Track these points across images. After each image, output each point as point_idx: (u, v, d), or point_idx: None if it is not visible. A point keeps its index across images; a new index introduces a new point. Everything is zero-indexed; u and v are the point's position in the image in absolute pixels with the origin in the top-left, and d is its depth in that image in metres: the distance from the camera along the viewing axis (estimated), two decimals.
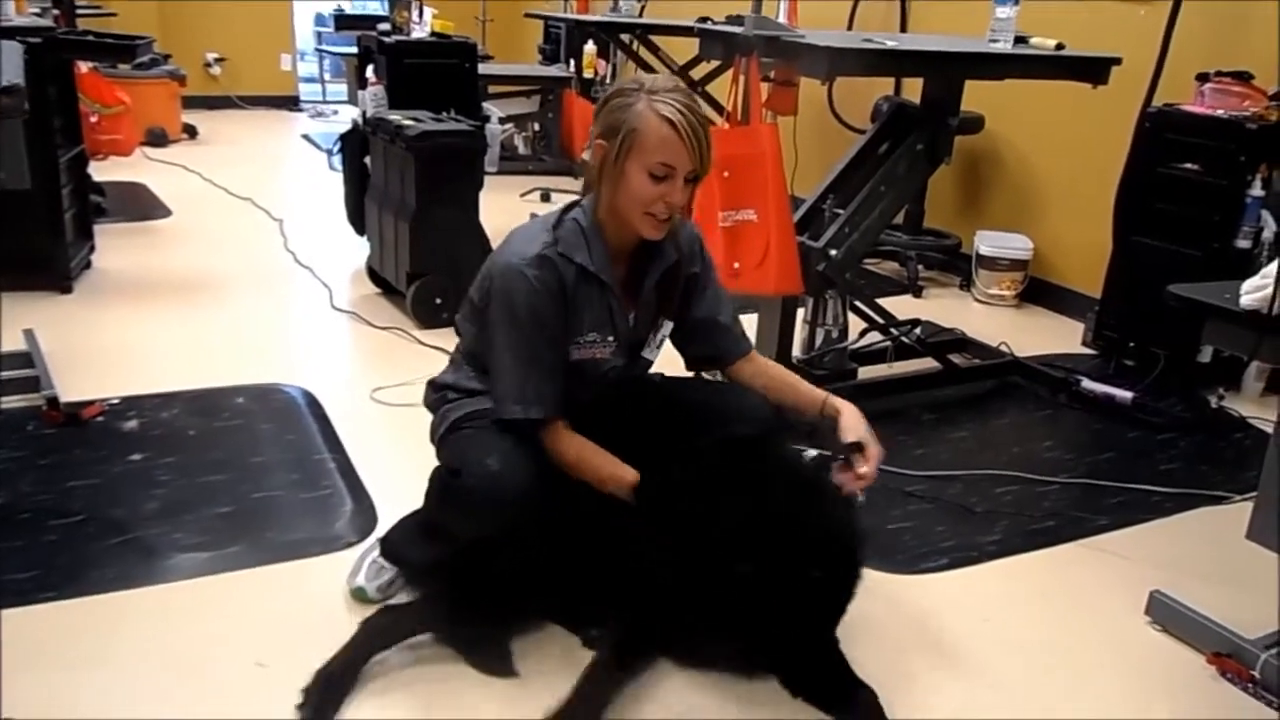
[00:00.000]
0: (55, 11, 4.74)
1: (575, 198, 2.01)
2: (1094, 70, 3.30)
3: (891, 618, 2.19)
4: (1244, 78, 3.49)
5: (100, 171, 5.03)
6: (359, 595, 2.08)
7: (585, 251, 1.91)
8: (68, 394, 2.89)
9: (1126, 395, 3.35)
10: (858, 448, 1.90)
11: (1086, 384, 3.43)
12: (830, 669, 1.90)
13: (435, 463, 2.10)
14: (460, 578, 1.97)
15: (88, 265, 4.17)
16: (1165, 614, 2.20)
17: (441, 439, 2.05)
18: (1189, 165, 3.48)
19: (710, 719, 1.84)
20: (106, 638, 1.95)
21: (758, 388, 2.10)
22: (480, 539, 1.91)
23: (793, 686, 1.90)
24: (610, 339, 1.98)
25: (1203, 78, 3.56)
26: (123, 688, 1.82)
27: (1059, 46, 3.29)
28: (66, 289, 3.87)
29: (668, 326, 2.10)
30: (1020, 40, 3.29)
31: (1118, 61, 3.30)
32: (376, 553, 2.13)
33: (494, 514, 1.86)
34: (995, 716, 1.91)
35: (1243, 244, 3.38)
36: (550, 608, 2.04)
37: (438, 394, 2.09)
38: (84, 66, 4.92)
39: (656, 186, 1.83)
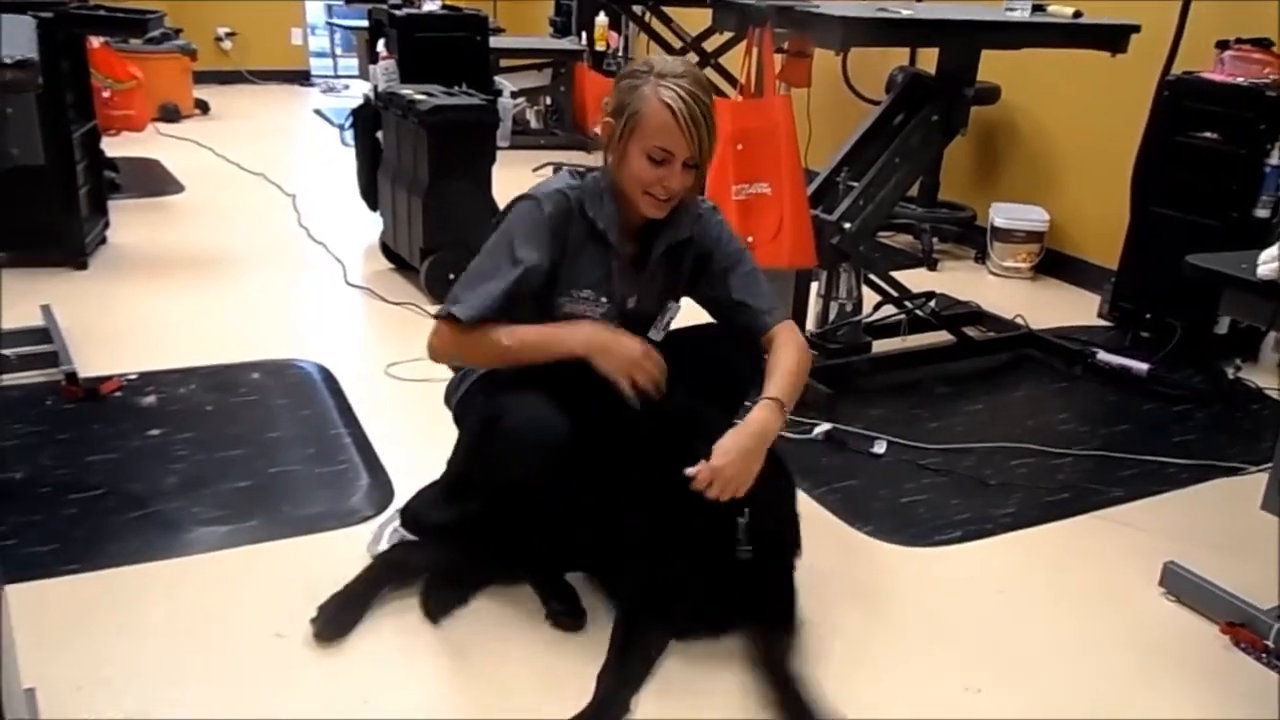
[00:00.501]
0: None
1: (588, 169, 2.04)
2: (1112, 38, 3.26)
3: (905, 590, 2.20)
4: (1264, 45, 3.44)
5: (113, 147, 5.03)
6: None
7: (599, 208, 1.95)
8: (86, 369, 2.91)
9: (1142, 367, 3.34)
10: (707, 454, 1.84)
11: (1102, 356, 3.41)
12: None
13: (449, 434, 2.12)
14: (482, 527, 2.03)
15: (103, 241, 4.19)
16: (1179, 584, 2.20)
17: (462, 398, 2.08)
18: (1208, 134, 3.45)
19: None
20: (126, 610, 1.98)
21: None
22: (512, 484, 1.94)
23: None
24: (603, 300, 2.00)
25: (1222, 45, 3.52)
26: (143, 658, 1.85)
27: (1077, 14, 3.25)
28: (82, 265, 3.89)
29: (674, 310, 2.11)
30: (1037, 8, 3.26)
31: (1136, 29, 3.26)
32: (396, 523, 2.15)
33: (534, 455, 1.88)
34: (1009, 688, 1.91)
35: (1262, 213, 3.35)
36: (534, 568, 2.08)
37: None
38: (96, 41, 4.93)
39: (655, 170, 1.86)
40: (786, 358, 1.98)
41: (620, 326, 2.02)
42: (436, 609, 2.00)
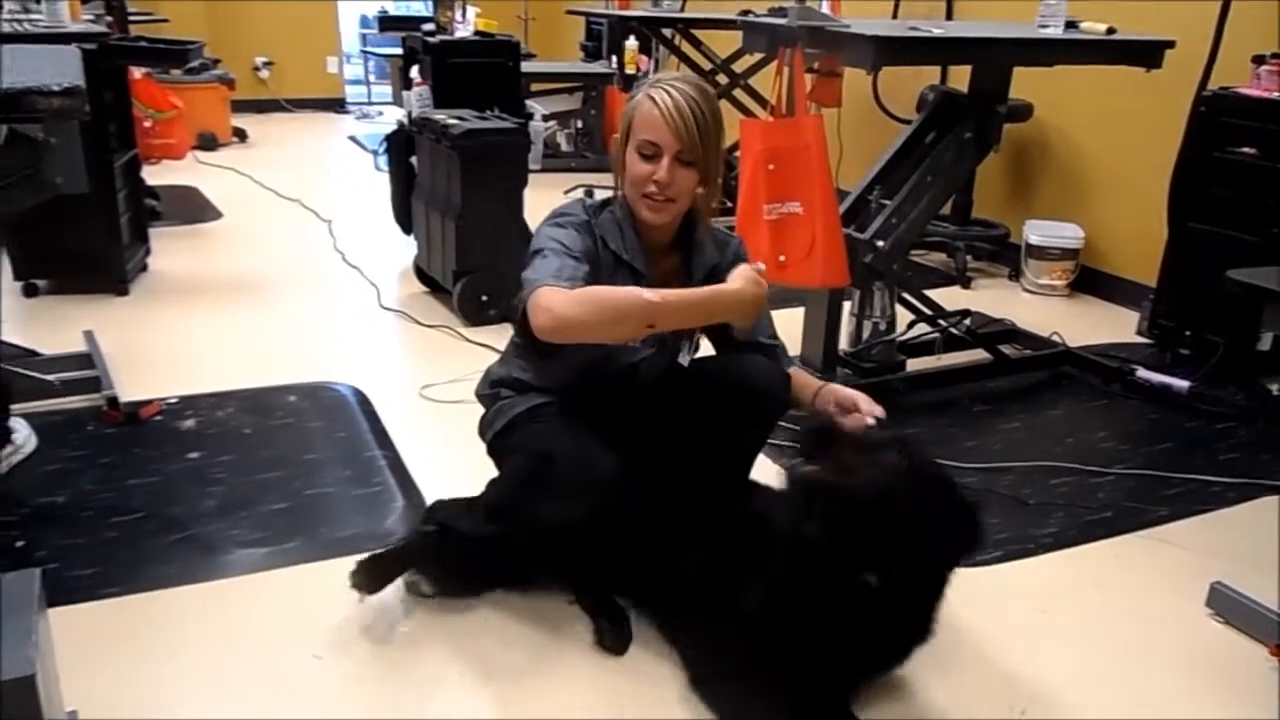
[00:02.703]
0: (109, 18, 4.84)
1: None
2: (1146, 54, 3.24)
3: (947, 610, 2.16)
4: None
5: (153, 175, 5.12)
6: (413, 587, 2.10)
7: (619, 240, 1.96)
8: (127, 394, 2.95)
9: (1183, 384, 3.29)
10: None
11: (1142, 373, 3.37)
12: None
13: (484, 456, 2.12)
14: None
15: (144, 267, 4.25)
16: (1226, 605, 2.16)
17: (500, 433, 2.06)
18: (1245, 149, 3.41)
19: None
20: (167, 632, 1.99)
21: None
22: (562, 525, 1.91)
23: None
24: None
25: (1259, 59, 3.48)
26: (184, 680, 1.86)
27: (1110, 31, 3.23)
28: (123, 291, 3.95)
29: (700, 336, 2.10)
30: (1070, 25, 3.24)
31: (1171, 44, 3.24)
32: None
33: (584, 496, 1.85)
34: (1054, 709, 1.88)
35: None
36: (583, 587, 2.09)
37: (491, 390, 2.12)
38: (138, 72, 5.03)
39: (645, 165, 1.87)
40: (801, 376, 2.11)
41: (657, 352, 2.04)
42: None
